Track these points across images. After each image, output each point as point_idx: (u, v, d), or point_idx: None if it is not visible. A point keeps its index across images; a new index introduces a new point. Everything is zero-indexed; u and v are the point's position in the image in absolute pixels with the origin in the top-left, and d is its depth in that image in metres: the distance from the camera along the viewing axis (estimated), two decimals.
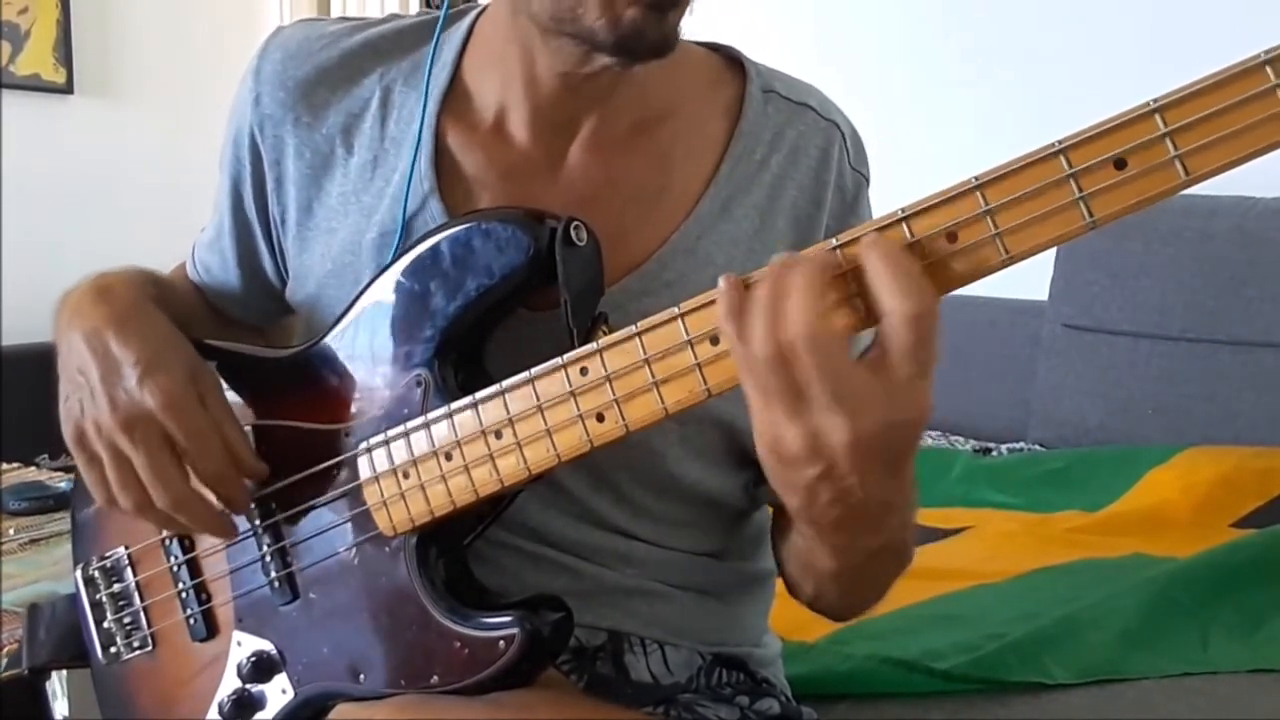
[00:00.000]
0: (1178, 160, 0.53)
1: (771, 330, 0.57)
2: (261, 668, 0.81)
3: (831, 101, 0.89)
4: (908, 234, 0.58)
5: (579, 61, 0.77)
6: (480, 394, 0.71)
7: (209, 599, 0.85)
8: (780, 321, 0.57)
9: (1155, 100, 0.53)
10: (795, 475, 0.60)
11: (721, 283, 0.60)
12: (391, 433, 0.75)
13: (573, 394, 0.67)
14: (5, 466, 2.13)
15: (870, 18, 2.71)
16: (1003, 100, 2.48)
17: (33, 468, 2.19)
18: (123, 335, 0.77)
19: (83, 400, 0.77)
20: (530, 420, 0.69)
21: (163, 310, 0.82)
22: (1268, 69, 0.51)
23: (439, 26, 0.85)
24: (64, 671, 1.18)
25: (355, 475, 0.76)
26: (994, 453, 2.22)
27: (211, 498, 0.77)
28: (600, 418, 0.66)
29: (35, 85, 3.25)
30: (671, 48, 0.74)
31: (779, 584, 0.93)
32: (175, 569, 0.86)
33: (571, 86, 0.79)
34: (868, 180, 0.89)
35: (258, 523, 0.81)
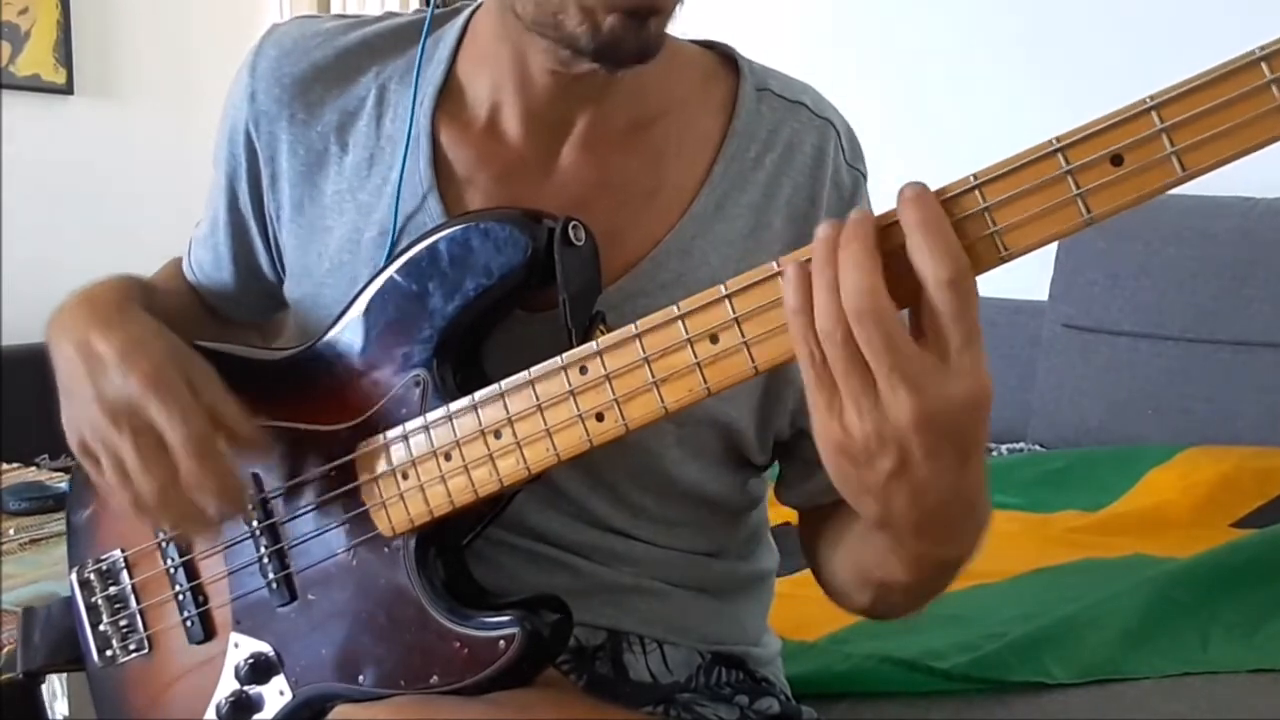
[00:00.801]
0: (1174, 156, 0.53)
1: (837, 308, 0.56)
2: (259, 669, 0.81)
3: (825, 99, 0.89)
4: None
5: (565, 62, 0.77)
6: (479, 394, 0.70)
7: (206, 601, 0.84)
8: (841, 298, 0.56)
9: (1151, 97, 0.54)
10: (868, 474, 0.59)
11: (789, 270, 0.59)
12: (390, 434, 0.74)
13: (572, 394, 0.67)
14: (5, 466, 2.13)
15: (882, 10, 2.71)
16: (998, 99, 2.48)
17: (33, 468, 2.19)
18: (105, 333, 0.76)
19: (77, 408, 0.77)
20: (530, 420, 0.69)
21: (151, 313, 0.81)
22: (1263, 65, 0.51)
23: (425, 29, 0.85)
24: (63, 672, 1.17)
25: (354, 476, 0.76)
26: (994, 453, 2.22)
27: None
28: (600, 417, 0.66)
29: (35, 85, 3.25)
30: (653, 54, 0.74)
31: (782, 582, 0.94)
32: (172, 571, 0.86)
33: (562, 85, 0.79)
34: (865, 177, 0.88)
35: (255, 524, 0.81)
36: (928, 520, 0.62)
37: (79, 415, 0.77)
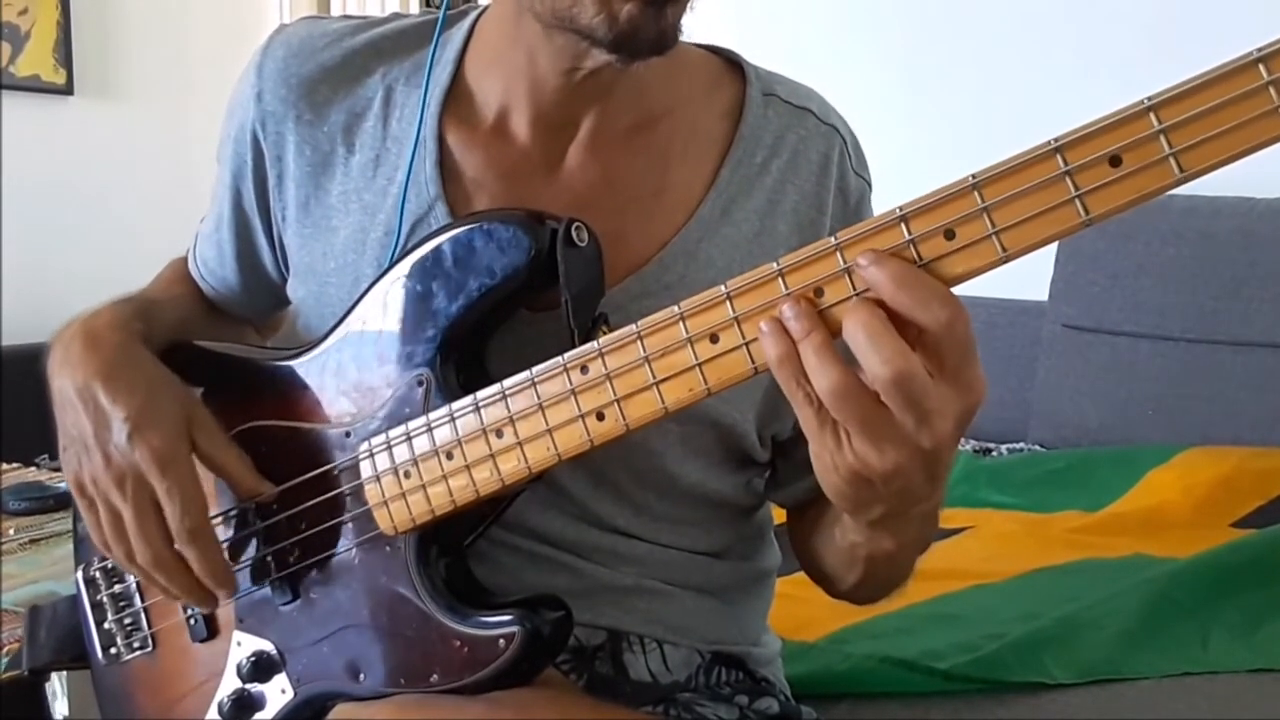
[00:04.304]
0: (1172, 158, 0.53)
1: (835, 370, 0.58)
2: (261, 668, 0.81)
3: (831, 106, 0.89)
4: (906, 232, 0.58)
5: (579, 57, 0.77)
6: (481, 393, 0.71)
7: None
8: (847, 365, 0.58)
9: (1149, 98, 0.54)
10: (885, 489, 0.61)
11: (764, 325, 0.60)
12: (393, 433, 0.75)
13: (573, 393, 0.67)
14: (5, 466, 2.13)
15: (847, 21, 2.71)
16: (987, 102, 2.48)
17: (33, 468, 2.19)
18: (111, 389, 0.77)
19: (79, 454, 0.78)
20: (531, 419, 0.69)
21: (152, 345, 0.82)
22: (1260, 66, 0.52)
23: (438, 28, 0.85)
24: (64, 672, 1.17)
25: (356, 475, 0.76)
26: (994, 453, 2.22)
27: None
28: (600, 416, 0.66)
29: (35, 86, 3.25)
30: (671, 44, 0.74)
31: (782, 582, 0.94)
32: None
33: (574, 84, 0.79)
34: (870, 186, 0.89)
35: (259, 523, 0.81)
36: (916, 497, 0.64)
37: (81, 463, 0.78)
